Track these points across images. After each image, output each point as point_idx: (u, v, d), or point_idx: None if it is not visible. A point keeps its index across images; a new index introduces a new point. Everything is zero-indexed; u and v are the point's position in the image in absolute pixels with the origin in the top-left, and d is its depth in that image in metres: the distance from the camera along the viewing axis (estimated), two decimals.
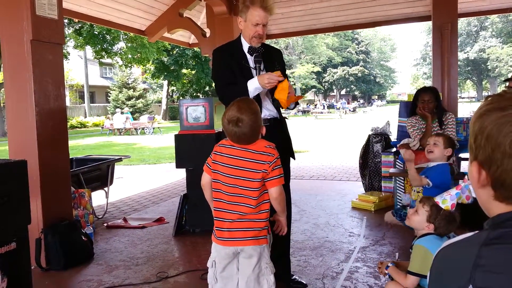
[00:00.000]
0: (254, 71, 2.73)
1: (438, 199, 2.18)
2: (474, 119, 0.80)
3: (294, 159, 2.97)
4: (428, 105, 4.07)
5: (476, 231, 0.78)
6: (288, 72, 43.15)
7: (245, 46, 2.77)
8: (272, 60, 2.82)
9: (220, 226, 1.97)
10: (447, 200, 2.14)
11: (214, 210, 2.01)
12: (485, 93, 51.14)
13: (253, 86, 2.58)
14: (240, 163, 1.94)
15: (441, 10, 5.33)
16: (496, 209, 0.78)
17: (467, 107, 22.23)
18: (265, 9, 2.61)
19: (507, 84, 4.10)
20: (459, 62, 5.74)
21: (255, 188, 1.92)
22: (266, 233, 1.98)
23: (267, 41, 7.89)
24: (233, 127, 1.90)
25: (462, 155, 4.81)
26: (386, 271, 2.24)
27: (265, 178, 1.94)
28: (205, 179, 2.08)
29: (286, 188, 2.73)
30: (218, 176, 1.99)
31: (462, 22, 43.40)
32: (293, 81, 44.84)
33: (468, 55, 47.39)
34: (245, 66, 2.73)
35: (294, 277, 2.92)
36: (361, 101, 55.95)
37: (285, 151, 2.79)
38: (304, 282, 2.89)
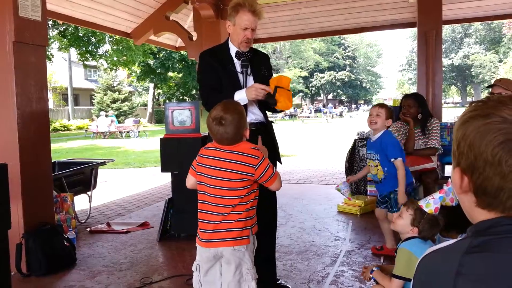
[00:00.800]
0: (240, 76, 2.71)
1: (421, 203, 2.20)
2: (458, 126, 0.80)
3: (281, 163, 2.96)
4: (409, 110, 4.17)
5: (459, 238, 0.78)
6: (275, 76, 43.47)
7: (233, 50, 2.75)
8: (260, 64, 2.81)
9: (204, 228, 1.96)
10: (430, 204, 2.16)
11: (199, 212, 2.00)
12: (469, 99, 52.03)
13: (239, 96, 2.57)
14: (225, 164, 1.94)
15: (426, 17, 5.41)
16: (478, 216, 0.78)
17: (451, 112, 22.55)
18: (254, 13, 2.60)
19: (490, 90, 4.16)
20: (444, 68, 5.82)
21: (239, 188, 1.92)
22: (248, 234, 1.97)
23: (254, 45, 7.88)
24: (217, 125, 1.91)
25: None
26: (371, 275, 2.24)
27: (259, 181, 1.97)
28: (190, 181, 2.09)
29: (272, 193, 2.72)
30: (202, 178, 1.99)
31: (446, 29, 44.14)
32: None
33: (452, 61, 48.19)
34: (231, 70, 2.71)
35: (280, 281, 2.91)
36: (347, 105, 56.39)
37: (272, 155, 2.78)
38: (290, 287, 2.88)
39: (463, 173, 0.78)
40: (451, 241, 0.78)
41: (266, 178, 1.98)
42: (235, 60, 2.74)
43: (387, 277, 2.15)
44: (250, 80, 2.73)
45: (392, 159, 3.18)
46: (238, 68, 2.73)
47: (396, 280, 2.07)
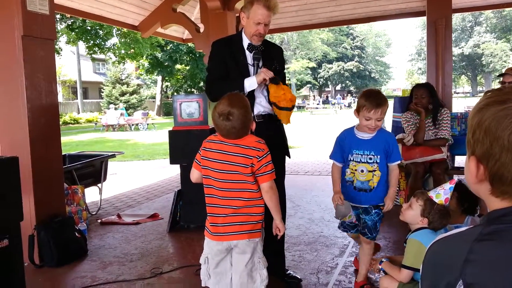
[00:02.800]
0: (251, 68, 2.71)
1: (431, 194, 2.19)
2: (473, 114, 0.79)
3: (289, 157, 2.93)
4: (421, 100, 4.11)
5: (471, 226, 0.78)
6: None
7: (245, 41, 2.73)
8: (272, 58, 2.79)
9: (215, 222, 1.96)
10: (440, 195, 2.15)
11: (207, 206, 2.00)
12: (479, 88, 51.42)
13: (249, 82, 2.59)
14: (230, 158, 1.93)
15: (435, 5, 5.34)
16: (493, 204, 0.77)
17: (461, 102, 22.33)
18: (269, 8, 2.58)
19: (501, 79, 4.10)
20: (454, 58, 5.75)
21: (249, 181, 1.92)
22: (260, 227, 1.98)
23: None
24: (224, 120, 1.89)
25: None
26: (380, 266, 2.24)
27: (255, 173, 1.93)
28: (194, 175, 2.07)
29: (281, 185, 2.72)
30: (209, 172, 1.98)
31: (456, 18, 43.54)
32: (288, 77, 44.78)
33: (462, 50, 47.54)
34: (242, 62, 2.71)
35: (289, 272, 2.92)
36: (356, 96, 55.98)
37: (280, 148, 2.78)
38: (299, 277, 2.89)
39: (478, 161, 0.77)
40: (463, 228, 0.78)
41: (262, 172, 1.93)
42: (247, 52, 2.73)
43: (396, 268, 2.15)
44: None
45: (396, 162, 2.59)
46: (250, 60, 2.72)
47: (406, 271, 2.07)
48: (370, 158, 2.56)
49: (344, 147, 2.66)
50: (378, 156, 2.56)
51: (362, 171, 2.59)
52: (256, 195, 1.95)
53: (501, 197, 0.76)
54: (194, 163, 2.05)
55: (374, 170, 2.56)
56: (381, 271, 2.25)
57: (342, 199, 2.62)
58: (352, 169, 2.62)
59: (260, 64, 2.71)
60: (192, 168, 2.07)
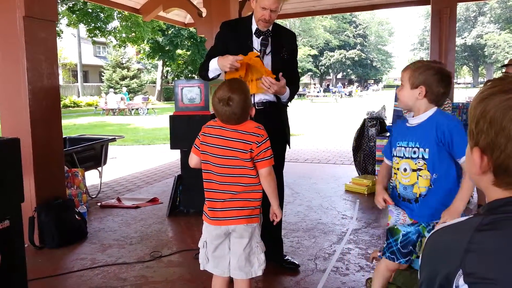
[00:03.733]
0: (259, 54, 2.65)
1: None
2: (475, 104, 0.78)
3: (289, 147, 2.92)
4: None
5: (471, 215, 0.78)
6: None
7: (254, 26, 2.69)
8: (281, 45, 2.72)
9: (213, 206, 1.97)
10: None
11: (206, 191, 2.01)
12: (481, 79, 51.20)
13: (213, 66, 2.59)
14: (229, 143, 1.93)
15: None
16: (493, 194, 0.77)
17: (463, 92, 22.26)
18: None
19: (504, 70, 4.09)
20: (456, 48, 5.71)
21: (247, 167, 1.93)
22: (258, 213, 2.00)
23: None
24: (224, 106, 1.89)
25: None
26: (379, 253, 2.27)
27: (254, 159, 1.93)
28: (194, 160, 2.07)
29: (279, 174, 2.73)
30: (208, 157, 1.98)
31: (460, 7, 43.08)
32: None
33: (465, 40, 47.23)
34: (248, 47, 2.65)
35: (286, 257, 2.95)
36: (357, 85, 55.77)
37: (281, 136, 2.77)
38: (297, 263, 2.92)
39: (482, 152, 0.76)
40: (463, 218, 0.78)
41: (261, 158, 1.92)
42: (254, 37, 2.68)
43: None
44: (268, 60, 2.66)
45: (462, 158, 1.77)
46: (257, 46, 2.67)
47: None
48: (414, 152, 1.87)
49: (392, 139, 2.06)
50: (426, 150, 1.84)
51: (405, 169, 1.91)
52: (255, 180, 1.95)
53: (503, 188, 0.75)
54: (193, 148, 2.05)
55: (419, 169, 1.86)
56: (379, 257, 2.27)
57: (386, 201, 1.97)
58: (394, 168, 1.98)
59: (268, 50, 2.65)
60: (190, 153, 2.07)
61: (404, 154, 1.91)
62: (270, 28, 2.68)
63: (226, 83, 1.96)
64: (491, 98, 0.75)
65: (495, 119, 0.73)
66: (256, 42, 2.67)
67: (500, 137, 0.73)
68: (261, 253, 2.00)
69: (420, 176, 1.85)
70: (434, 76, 1.82)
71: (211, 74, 2.67)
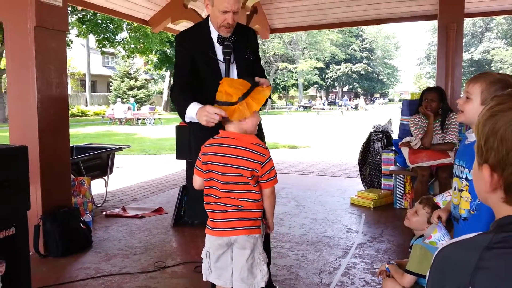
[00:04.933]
0: (222, 65, 2.38)
1: (438, 200, 2.17)
2: (484, 120, 0.77)
3: None
4: (431, 104, 4.09)
5: (480, 232, 0.77)
6: (291, 67, 43.22)
7: (214, 33, 2.39)
8: (244, 47, 2.45)
9: (214, 217, 1.97)
10: (447, 201, 2.12)
11: (206, 203, 2.00)
12: None
13: (190, 114, 2.17)
14: (231, 161, 1.91)
15: (447, 9, 5.31)
16: (504, 211, 0.76)
17: None
18: None
19: None
20: (463, 63, 5.71)
21: (250, 183, 1.91)
22: (260, 224, 1.99)
23: (271, 35, 7.78)
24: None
25: None
26: (387, 266, 2.25)
27: (259, 180, 1.93)
28: (198, 182, 2.05)
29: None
30: (211, 174, 1.97)
31: (467, 23, 43.21)
32: (295, 76, 44.72)
33: (472, 55, 47.22)
34: (211, 58, 2.38)
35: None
36: (366, 98, 55.76)
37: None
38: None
39: (492, 170, 0.75)
40: (472, 234, 0.76)
41: (266, 179, 1.92)
42: (216, 45, 2.40)
43: (400, 272, 2.15)
44: (233, 69, 2.43)
45: None
46: (220, 56, 2.39)
47: (409, 276, 2.07)
48: (461, 171, 1.76)
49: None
50: (470, 170, 1.68)
51: (454, 188, 1.82)
52: (257, 196, 1.94)
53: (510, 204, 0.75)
54: (195, 170, 2.02)
55: (462, 190, 1.75)
56: (387, 270, 2.25)
57: (439, 218, 1.92)
58: (453, 187, 1.88)
59: (232, 58, 2.39)
60: (193, 175, 2.05)
61: (455, 172, 1.83)
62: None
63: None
64: (501, 115, 0.74)
65: (506, 136, 0.72)
66: (219, 51, 2.40)
67: (511, 155, 0.72)
68: (264, 265, 1.99)
69: (462, 197, 1.75)
70: None
71: (187, 120, 2.25)
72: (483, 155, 0.77)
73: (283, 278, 2.91)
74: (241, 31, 2.47)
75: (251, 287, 1.96)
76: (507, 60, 43.94)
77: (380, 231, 3.99)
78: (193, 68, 2.39)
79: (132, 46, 17.98)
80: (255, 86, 1.96)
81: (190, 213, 4.26)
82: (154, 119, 21.29)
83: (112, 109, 21.47)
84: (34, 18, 3.24)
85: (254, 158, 1.90)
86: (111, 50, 21.83)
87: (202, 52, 2.38)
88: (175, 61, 2.50)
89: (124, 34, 18.95)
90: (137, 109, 23.62)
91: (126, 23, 16.69)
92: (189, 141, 4.09)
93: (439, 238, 1.89)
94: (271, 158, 1.94)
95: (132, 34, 17.34)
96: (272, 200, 1.99)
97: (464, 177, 1.74)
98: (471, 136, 1.77)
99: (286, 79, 44.92)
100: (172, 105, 33.88)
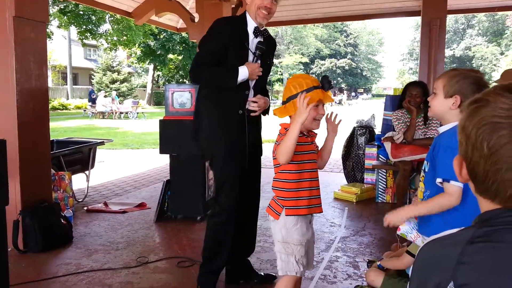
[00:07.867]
0: (251, 57, 2.47)
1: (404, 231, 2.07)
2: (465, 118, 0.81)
3: (261, 155, 2.81)
4: (415, 99, 4.13)
5: (463, 228, 0.78)
6: (276, 61, 43.13)
7: (250, 25, 2.47)
8: (268, 50, 2.58)
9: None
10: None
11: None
12: None
13: (242, 76, 2.38)
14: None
15: (430, 5, 5.37)
16: (483, 206, 0.78)
17: None
18: None
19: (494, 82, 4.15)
20: (445, 59, 5.79)
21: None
22: (279, 210, 2.04)
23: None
24: None
25: None
26: (378, 262, 2.30)
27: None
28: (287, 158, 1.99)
29: (257, 183, 2.74)
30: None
31: (449, 19, 43.74)
32: (280, 71, 44.77)
33: (454, 52, 47.98)
34: (245, 48, 2.44)
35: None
36: (346, 93, 56.19)
37: (260, 145, 2.75)
38: (274, 274, 2.83)
39: (461, 160, 0.79)
40: (454, 230, 0.78)
41: (274, 155, 2.00)
42: (251, 37, 2.46)
43: (394, 258, 2.20)
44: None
45: (439, 180, 1.68)
46: (252, 48, 2.47)
47: (408, 257, 2.09)
48: (425, 164, 1.85)
49: None
50: (428, 163, 1.79)
51: (420, 180, 1.91)
52: (277, 177, 2.06)
53: (487, 198, 0.77)
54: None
55: (419, 181, 1.88)
56: (379, 267, 2.29)
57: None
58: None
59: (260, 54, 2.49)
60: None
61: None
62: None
63: None
64: (466, 109, 0.79)
65: (465, 127, 0.77)
66: (252, 44, 2.47)
67: (468, 144, 0.76)
68: (279, 253, 2.10)
69: (418, 188, 1.84)
70: (471, 86, 1.68)
71: (239, 80, 2.39)
72: (457, 148, 0.82)
73: (267, 272, 2.91)
74: (270, 36, 2.61)
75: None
76: (487, 57, 44.76)
77: (362, 224, 4.03)
78: (219, 59, 2.44)
79: (115, 38, 17.72)
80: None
81: (173, 207, 4.24)
82: (137, 113, 21.06)
83: (93, 96, 21.17)
84: (13, 9, 3.15)
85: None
86: (93, 42, 21.49)
87: (238, 41, 2.44)
88: (205, 43, 2.49)
89: (106, 26, 18.67)
90: (120, 103, 23.32)
91: (108, 14, 16.42)
92: (174, 135, 4.06)
93: (406, 230, 1.95)
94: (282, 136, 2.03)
95: (115, 26, 17.11)
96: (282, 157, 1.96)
97: (423, 169, 1.83)
98: (440, 130, 1.84)
99: (271, 73, 44.93)
100: (156, 98, 33.68)
